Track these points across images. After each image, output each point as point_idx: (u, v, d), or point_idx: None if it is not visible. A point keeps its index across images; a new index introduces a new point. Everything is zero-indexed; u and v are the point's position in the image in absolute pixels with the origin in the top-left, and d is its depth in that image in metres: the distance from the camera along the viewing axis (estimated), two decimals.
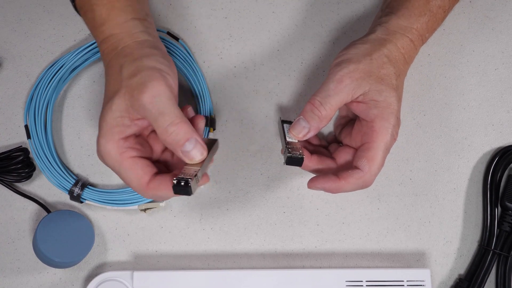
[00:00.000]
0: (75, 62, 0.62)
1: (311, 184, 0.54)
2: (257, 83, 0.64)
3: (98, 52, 0.62)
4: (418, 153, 0.63)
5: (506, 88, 0.64)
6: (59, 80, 0.62)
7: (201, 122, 0.53)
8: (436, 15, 0.57)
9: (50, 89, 0.61)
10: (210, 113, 0.62)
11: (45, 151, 0.60)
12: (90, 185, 0.61)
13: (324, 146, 0.60)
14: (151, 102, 0.48)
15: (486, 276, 0.60)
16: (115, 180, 0.62)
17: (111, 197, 0.60)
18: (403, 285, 0.59)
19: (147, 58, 0.51)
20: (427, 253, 0.62)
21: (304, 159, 0.54)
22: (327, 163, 0.56)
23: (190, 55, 0.63)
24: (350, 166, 0.54)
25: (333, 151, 0.58)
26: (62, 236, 0.57)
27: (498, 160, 0.62)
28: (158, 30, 0.58)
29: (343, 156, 0.56)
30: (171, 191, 0.49)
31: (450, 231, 0.62)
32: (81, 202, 0.60)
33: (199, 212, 0.62)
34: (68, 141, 0.62)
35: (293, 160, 0.53)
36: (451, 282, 0.62)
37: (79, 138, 0.62)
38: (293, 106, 0.64)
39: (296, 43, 0.65)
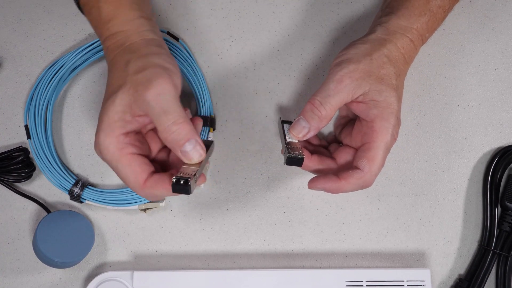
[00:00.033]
0: (75, 62, 0.62)
1: (311, 184, 0.54)
2: (257, 83, 0.64)
3: (98, 52, 0.62)
4: (418, 153, 0.63)
5: (506, 88, 0.64)
6: (59, 80, 0.62)
7: (199, 124, 0.54)
8: (436, 15, 0.57)
9: (50, 89, 0.61)
10: (210, 113, 0.62)
11: (45, 151, 0.60)
12: (90, 185, 0.61)
13: (324, 146, 0.60)
14: (155, 99, 0.48)
15: (486, 276, 0.60)
16: (115, 180, 0.62)
17: (111, 197, 0.60)
18: (403, 285, 0.59)
19: (154, 56, 0.51)
20: (427, 253, 0.62)
21: (304, 159, 0.54)
22: (327, 163, 0.56)
23: (190, 55, 0.63)
24: (350, 166, 0.54)
25: (333, 151, 0.58)
26: (62, 236, 0.57)
27: (498, 160, 0.62)
28: None
29: (343, 156, 0.56)
30: (168, 190, 0.49)
31: (450, 231, 0.62)
32: (81, 202, 0.60)
33: (199, 212, 0.62)
34: (68, 141, 0.62)
35: (293, 160, 0.53)
36: (451, 282, 0.62)
37: (79, 138, 0.62)
38: (293, 106, 0.64)
39: (296, 43, 0.65)
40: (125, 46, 0.52)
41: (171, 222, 0.61)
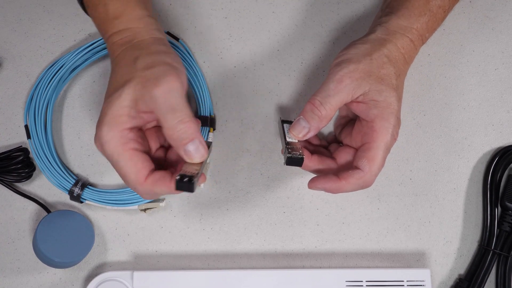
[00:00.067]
0: (75, 62, 0.62)
1: (311, 184, 0.54)
2: (257, 83, 0.64)
3: (98, 52, 0.62)
4: (418, 153, 0.63)
5: (506, 88, 0.64)
6: (59, 80, 0.62)
7: (198, 125, 0.54)
8: (436, 15, 0.57)
9: (50, 89, 0.61)
10: (210, 113, 0.62)
11: (45, 151, 0.60)
12: (90, 185, 0.61)
13: (324, 146, 0.60)
14: (164, 96, 0.48)
15: (486, 276, 0.60)
16: (115, 180, 0.62)
17: (111, 197, 0.60)
18: (403, 285, 0.59)
19: (163, 55, 0.51)
20: (427, 253, 0.62)
21: (305, 159, 0.54)
22: (327, 163, 0.56)
23: (190, 55, 0.63)
24: (350, 166, 0.54)
25: (333, 151, 0.58)
26: (62, 236, 0.57)
27: (498, 160, 0.62)
28: None
29: (344, 156, 0.56)
30: (168, 188, 0.49)
31: (450, 231, 0.62)
32: (81, 202, 0.60)
33: (199, 212, 0.62)
34: (68, 141, 0.62)
35: (293, 161, 0.53)
36: (451, 282, 0.62)
37: (79, 138, 0.62)
38: (293, 106, 0.64)
39: (296, 43, 0.65)
40: (134, 42, 0.52)
41: (171, 222, 0.61)
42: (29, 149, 0.61)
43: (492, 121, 0.64)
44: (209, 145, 0.54)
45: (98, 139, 0.50)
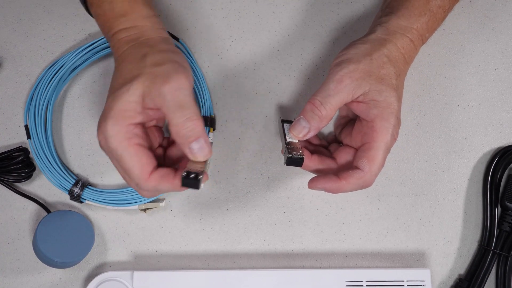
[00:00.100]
0: (75, 62, 0.62)
1: (311, 184, 0.54)
2: (257, 83, 0.64)
3: (98, 52, 0.62)
4: (418, 153, 0.63)
5: (506, 88, 0.64)
6: (59, 80, 0.62)
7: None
8: (436, 15, 0.57)
9: (50, 89, 0.61)
10: (210, 113, 0.62)
11: (45, 151, 0.60)
12: (90, 185, 0.61)
13: (324, 146, 0.60)
14: (173, 93, 0.48)
15: (486, 276, 0.60)
16: (115, 180, 0.62)
17: (111, 197, 0.60)
18: (403, 285, 0.59)
19: (172, 53, 0.52)
20: (427, 253, 0.62)
21: (305, 159, 0.54)
22: (327, 163, 0.56)
23: (190, 55, 0.63)
24: (350, 166, 0.54)
25: (334, 151, 0.58)
26: (62, 236, 0.57)
27: (498, 160, 0.62)
28: None
29: (344, 156, 0.56)
30: (172, 185, 0.49)
31: (450, 231, 0.62)
32: (81, 202, 0.60)
33: (199, 212, 0.62)
34: (68, 141, 0.62)
35: (293, 161, 0.53)
36: (451, 282, 0.62)
37: (79, 138, 0.62)
38: (293, 106, 0.64)
39: (296, 43, 0.65)
40: (141, 40, 0.52)
41: (171, 222, 0.61)
42: (29, 149, 0.61)
43: (492, 121, 0.64)
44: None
45: (102, 133, 0.49)
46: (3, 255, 0.60)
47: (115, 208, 0.60)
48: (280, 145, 0.62)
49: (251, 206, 0.62)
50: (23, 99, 0.63)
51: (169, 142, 0.56)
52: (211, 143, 0.58)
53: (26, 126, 0.61)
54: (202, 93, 0.62)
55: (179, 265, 0.61)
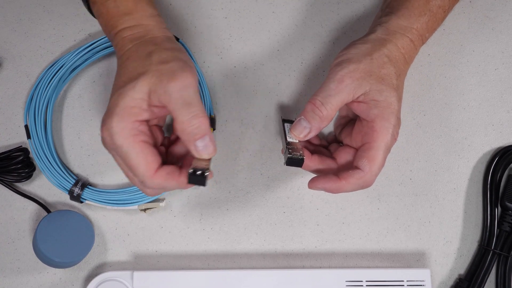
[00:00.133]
0: (75, 62, 0.62)
1: (311, 184, 0.54)
2: (257, 83, 0.64)
3: (98, 52, 0.62)
4: (418, 153, 0.63)
5: (506, 88, 0.64)
6: (59, 80, 0.62)
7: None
8: (436, 15, 0.57)
9: (50, 89, 0.61)
10: (210, 113, 0.62)
11: (45, 151, 0.60)
12: (90, 185, 0.61)
13: (324, 146, 0.60)
14: (179, 91, 0.49)
15: (486, 276, 0.60)
16: (115, 180, 0.62)
17: (111, 197, 0.60)
18: (403, 285, 0.59)
19: (178, 52, 0.52)
20: (427, 253, 0.62)
21: (305, 159, 0.54)
22: (327, 163, 0.56)
23: (190, 55, 0.63)
24: (350, 166, 0.54)
25: (334, 151, 0.58)
26: (62, 236, 0.57)
27: (498, 160, 0.62)
28: None
29: (344, 156, 0.56)
30: (177, 182, 0.49)
31: (450, 231, 0.62)
32: (81, 202, 0.60)
33: (199, 212, 0.62)
34: (68, 141, 0.62)
35: (294, 161, 0.53)
36: (451, 282, 0.62)
37: (79, 138, 0.62)
38: (293, 106, 0.64)
39: (296, 43, 0.65)
40: (146, 38, 0.52)
41: (171, 222, 0.61)
42: (29, 149, 0.61)
43: (492, 121, 0.64)
44: None
45: (107, 130, 0.49)
46: (3, 255, 0.60)
47: (115, 208, 0.60)
48: (280, 145, 0.62)
49: (251, 206, 0.62)
50: (23, 99, 0.63)
51: (170, 141, 0.56)
52: None
53: (26, 126, 0.61)
54: (202, 93, 0.62)
55: (179, 265, 0.61)
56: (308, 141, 0.59)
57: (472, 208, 0.62)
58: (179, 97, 0.49)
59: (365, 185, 0.53)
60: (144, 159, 0.49)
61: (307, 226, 0.62)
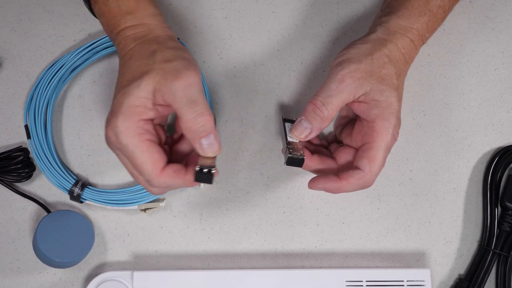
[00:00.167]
0: (75, 62, 0.62)
1: (311, 184, 0.54)
2: (257, 83, 0.64)
3: (98, 52, 0.62)
4: (418, 153, 0.63)
5: (506, 88, 0.64)
6: (59, 80, 0.62)
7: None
8: (436, 15, 0.57)
9: (50, 89, 0.61)
10: None
11: (45, 151, 0.60)
12: (90, 185, 0.61)
13: (324, 146, 0.60)
14: (184, 89, 0.49)
15: (486, 276, 0.60)
16: (115, 180, 0.62)
17: (111, 197, 0.60)
18: (403, 285, 0.59)
19: (181, 50, 0.52)
20: (427, 253, 0.62)
21: (305, 159, 0.54)
22: (327, 163, 0.56)
23: None
24: (350, 166, 0.54)
25: (334, 151, 0.58)
26: (62, 236, 0.57)
27: (498, 160, 0.62)
28: None
29: (344, 156, 0.56)
30: (184, 180, 0.50)
31: (450, 231, 0.62)
32: (81, 202, 0.60)
33: (199, 212, 0.62)
34: (68, 141, 0.62)
35: (294, 161, 0.53)
36: (451, 282, 0.62)
37: (79, 138, 0.62)
38: (293, 106, 0.64)
39: (296, 43, 0.65)
40: (149, 37, 0.52)
41: (171, 222, 0.61)
42: (29, 149, 0.61)
43: (492, 121, 0.64)
44: None
45: (112, 129, 0.49)
46: (3, 255, 0.60)
47: (115, 208, 0.60)
48: (280, 145, 0.62)
49: (251, 206, 0.62)
50: (23, 99, 0.63)
51: (173, 140, 0.56)
52: None
53: (26, 126, 0.61)
54: None
55: (179, 265, 0.61)
56: (308, 141, 0.59)
57: (472, 208, 0.62)
58: (184, 95, 0.49)
59: (365, 185, 0.53)
60: (150, 157, 0.49)
61: (307, 226, 0.62)
